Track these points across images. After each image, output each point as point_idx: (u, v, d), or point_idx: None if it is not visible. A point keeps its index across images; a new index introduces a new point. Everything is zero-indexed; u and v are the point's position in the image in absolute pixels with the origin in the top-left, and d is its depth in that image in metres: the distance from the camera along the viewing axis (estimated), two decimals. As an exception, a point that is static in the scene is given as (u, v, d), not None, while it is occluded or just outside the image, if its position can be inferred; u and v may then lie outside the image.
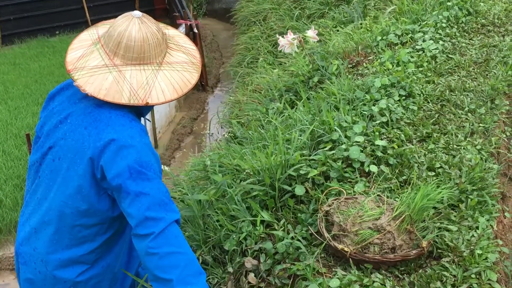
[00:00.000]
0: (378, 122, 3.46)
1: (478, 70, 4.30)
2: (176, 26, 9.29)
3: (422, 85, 4.00)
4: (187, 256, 2.09)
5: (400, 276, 2.44)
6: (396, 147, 3.22)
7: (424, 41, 4.68)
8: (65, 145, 2.19)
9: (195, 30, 9.18)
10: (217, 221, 2.83)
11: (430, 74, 4.20)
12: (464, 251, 2.49)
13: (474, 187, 2.92)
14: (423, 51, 4.53)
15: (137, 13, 2.19)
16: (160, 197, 2.09)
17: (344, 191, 2.82)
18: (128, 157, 2.08)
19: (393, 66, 4.24)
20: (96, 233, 2.25)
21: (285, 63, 6.12)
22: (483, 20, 5.21)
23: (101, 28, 2.31)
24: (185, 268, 2.05)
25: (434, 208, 2.75)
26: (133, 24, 2.16)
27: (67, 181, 2.17)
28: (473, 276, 2.39)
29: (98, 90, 2.11)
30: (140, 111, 2.33)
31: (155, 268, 2.05)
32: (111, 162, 2.09)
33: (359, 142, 3.17)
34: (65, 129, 2.21)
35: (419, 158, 3.19)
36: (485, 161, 3.19)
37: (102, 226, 2.25)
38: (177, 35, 2.40)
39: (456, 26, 5.04)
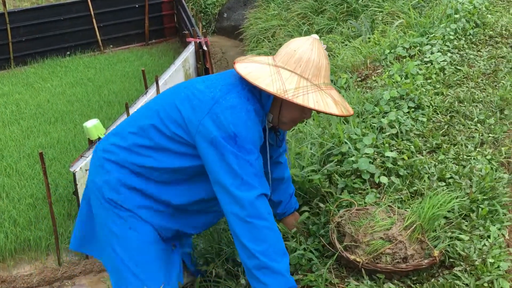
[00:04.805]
0: (387, 134, 3.48)
1: (487, 81, 4.33)
2: (186, 44, 9.36)
3: (431, 97, 4.03)
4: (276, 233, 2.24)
5: (412, 285, 2.45)
6: (406, 158, 3.24)
7: (432, 53, 4.70)
8: None
9: (205, 48, 9.25)
10: (231, 234, 2.85)
11: (438, 86, 4.22)
12: (476, 260, 2.50)
13: (484, 197, 2.93)
14: (431, 63, 4.56)
15: (315, 36, 2.31)
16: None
17: (355, 203, 2.84)
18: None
19: (401, 78, 4.27)
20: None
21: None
22: (490, 32, 5.23)
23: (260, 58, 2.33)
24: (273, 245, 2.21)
25: (445, 218, 2.77)
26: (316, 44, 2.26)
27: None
28: (485, 284, 2.39)
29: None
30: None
31: (244, 237, 2.20)
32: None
33: (368, 154, 3.19)
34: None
35: (429, 169, 3.20)
36: (495, 171, 3.20)
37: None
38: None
39: (464, 38, 5.07)
